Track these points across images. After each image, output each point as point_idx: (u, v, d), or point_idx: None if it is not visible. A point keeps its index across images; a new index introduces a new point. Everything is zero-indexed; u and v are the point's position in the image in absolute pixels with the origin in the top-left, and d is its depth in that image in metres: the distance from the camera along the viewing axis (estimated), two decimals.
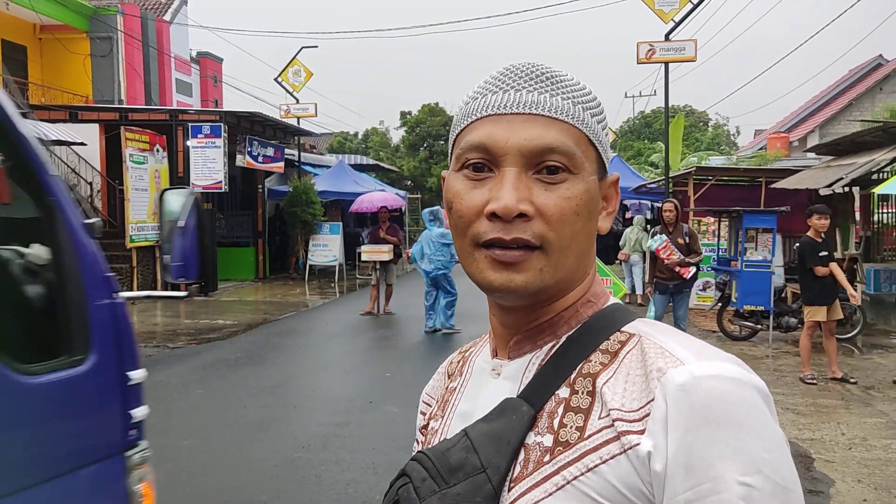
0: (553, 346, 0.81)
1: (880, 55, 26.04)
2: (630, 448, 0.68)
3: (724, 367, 0.69)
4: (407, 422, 6.18)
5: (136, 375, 1.86)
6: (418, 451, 0.81)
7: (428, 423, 0.94)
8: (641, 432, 0.69)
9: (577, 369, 0.77)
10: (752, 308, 9.43)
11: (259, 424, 6.15)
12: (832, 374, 7.50)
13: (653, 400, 0.69)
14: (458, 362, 0.97)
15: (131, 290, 14.67)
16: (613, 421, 0.71)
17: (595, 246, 0.85)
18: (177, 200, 2.27)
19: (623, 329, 0.79)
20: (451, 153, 0.84)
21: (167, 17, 22.71)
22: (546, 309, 0.81)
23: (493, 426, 0.76)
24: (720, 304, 10.11)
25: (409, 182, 36.69)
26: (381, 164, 32.78)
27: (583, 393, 0.75)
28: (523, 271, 0.76)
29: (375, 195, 18.65)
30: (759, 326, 9.59)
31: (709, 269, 11.56)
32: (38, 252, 1.76)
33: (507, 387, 0.81)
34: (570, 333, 0.81)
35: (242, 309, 14.01)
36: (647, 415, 0.69)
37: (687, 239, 8.16)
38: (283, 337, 10.76)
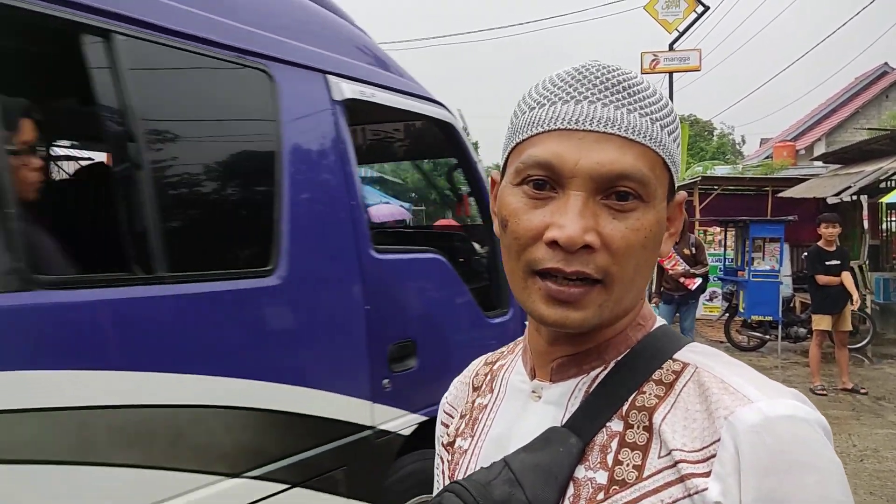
0: (601, 371, 0.75)
1: (886, 63, 25.98)
2: (696, 493, 0.63)
3: (794, 406, 0.65)
4: None
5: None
6: (454, 483, 0.73)
7: (455, 441, 0.88)
8: (707, 475, 0.64)
9: (630, 401, 0.71)
10: (760, 318, 9.36)
11: None
12: (843, 385, 7.43)
13: (718, 440, 0.64)
14: (486, 375, 0.90)
15: None
16: (676, 462, 0.65)
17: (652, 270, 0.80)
18: None
19: (675, 357, 0.73)
20: (507, 160, 0.76)
21: None
22: (597, 334, 0.75)
23: (539, 458, 0.71)
24: (727, 315, 10.05)
25: (413, 194, 36.74)
26: (385, 176, 32.80)
27: (639, 428, 0.69)
28: (581, 308, 0.69)
29: (382, 208, 18.50)
30: (768, 337, 9.52)
31: (715, 279, 11.50)
32: (479, 248, 3.61)
33: (551, 413, 0.75)
34: (618, 359, 0.75)
35: None
36: (712, 456, 0.64)
37: (693, 249, 8.10)
38: None
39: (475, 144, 39.32)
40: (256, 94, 2.23)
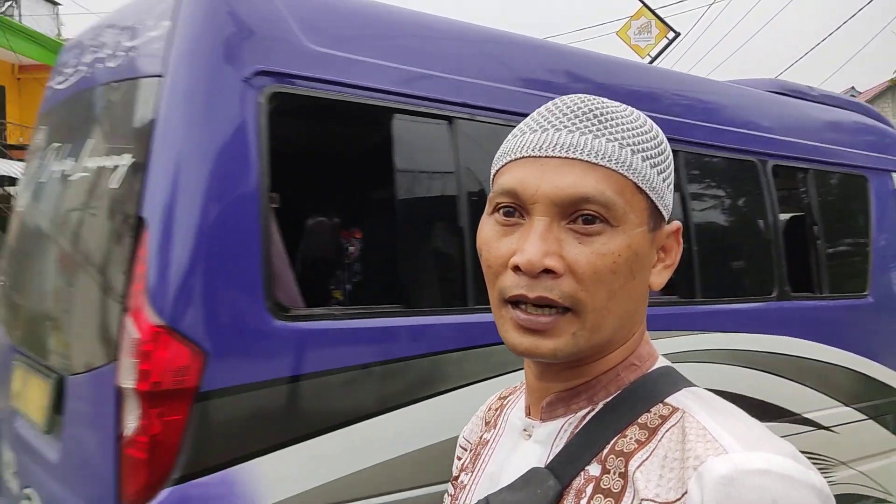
0: (588, 412, 0.73)
1: (852, 87, 26.61)
2: None
3: (775, 460, 0.61)
4: None
5: None
6: None
7: (459, 476, 0.88)
8: None
9: (611, 445, 0.69)
10: None
11: None
12: None
13: (686, 493, 0.62)
14: (496, 410, 0.90)
15: None
16: (642, 501, 0.64)
17: (646, 303, 0.76)
18: None
19: (666, 401, 0.71)
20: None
21: None
22: (583, 369, 0.74)
23: (518, 498, 0.71)
24: None
25: None
26: None
27: (615, 474, 0.67)
28: (552, 337, 0.68)
29: None
30: None
31: None
32: None
33: (537, 453, 0.75)
34: (607, 400, 0.73)
35: None
36: None
37: None
38: None
39: None
40: (857, 194, 3.66)
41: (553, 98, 0.76)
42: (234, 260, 1.87)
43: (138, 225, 1.83)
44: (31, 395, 2.32)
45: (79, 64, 2.48)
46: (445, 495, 0.91)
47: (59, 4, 21.68)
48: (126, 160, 1.97)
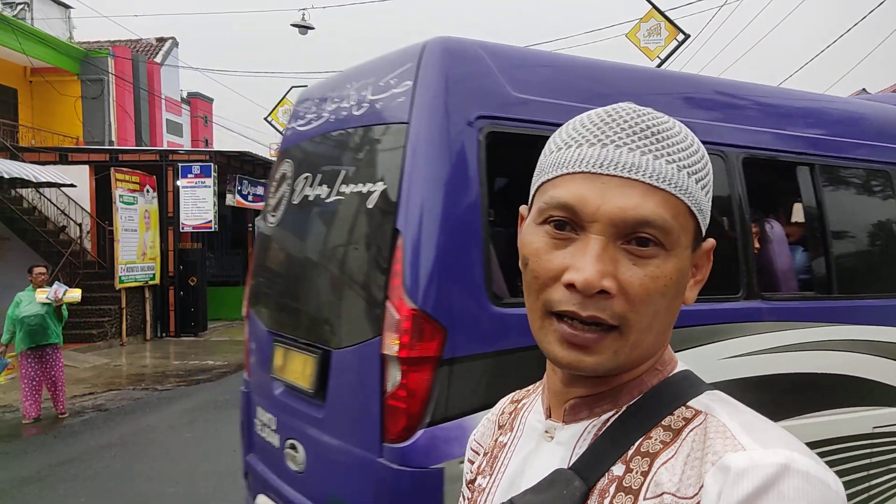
0: (612, 415, 0.74)
1: (863, 89, 26.45)
2: None
3: (793, 457, 0.61)
4: None
5: None
6: None
7: (476, 479, 0.88)
8: None
9: (636, 447, 0.71)
10: None
11: None
12: None
13: (703, 486, 0.63)
14: (510, 413, 0.90)
15: (119, 331, 14.51)
16: (662, 493, 0.66)
17: (676, 317, 0.76)
18: None
19: (689, 404, 0.72)
20: (533, 198, 0.76)
21: (158, 59, 22.90)
22: (612, 378, 0.74)
23: (542, 499, 0.71)
24: None
25: None
26: None
27: (637, 473, 0.69)
28: (595, 353, 0.69)
29: None
30: None
31: None
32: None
33: (560, 454, 0.75)
34: (630, 404, 0.74)
35: (232, 349, 13.84)
36: (699, 502, 0.63)
37: None
38: None
39: None
40: None
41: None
42: (465, 260, 2.50)
43: (394, 235, 2.50)
44: (294, 367, 3.05)
45: (320, 110, 3.22)
46: (461, 499, 0.93)
47: (71, 8, 21.83)
48: (379, 187, 2.66)
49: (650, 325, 0.70)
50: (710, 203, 0.75)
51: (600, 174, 0.69)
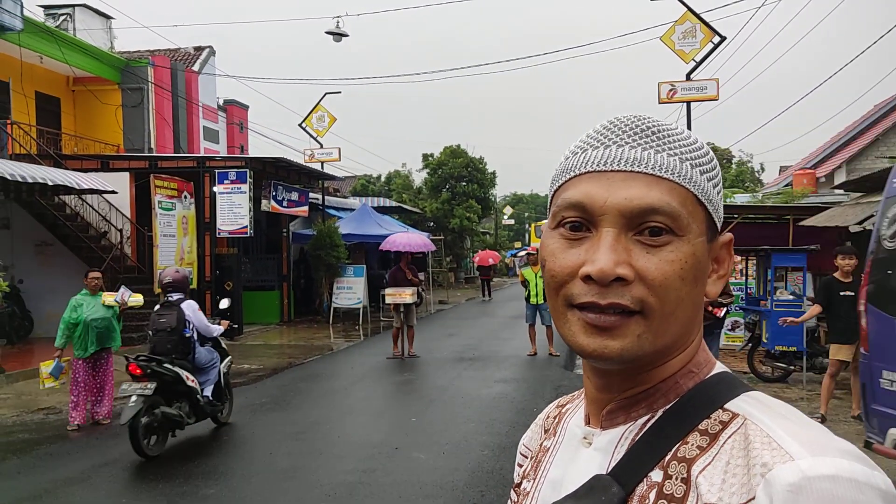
0: (648, 420, 0.75)
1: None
2: None
3: (841, 465, 0.61)
4: (433, 469, 6.08)
5: None
6: None
7: (521, 483, 0.89)
8: None
9: (673, 452, 0.71)
10: (784, 349, 9.24)
11: (285, 472, 6.10)
12: (853, 413, 7.48)
13: (753, 499, 0.62)
14: (555, 418, 0.92)
15: None
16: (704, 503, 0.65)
17: (702, 312, 0.78)
18: None
19: (726, 407, 0.72)
20: (549, 208, 0.79)
21: (196, 68, 23.33)
22: (644, 377, 0.75)
23: None
24: (750, 345, 9.92)
25: (432, 223, 36.81)
26: (404, 205, 33.01)
27: (677, 479, 0.68)
28: (619, 337, 0.71)
29: (413, 237, 17.74)
30: (793, 367, 9.38)
31: (737, 308, 11.38)
32: None
33: (598, 460, 0.76)
34: (667, 407, 0.75)
35: (268, 353, 14.02)
36: None
37: None
38: (308, 381, 10.75)
39: (493, 174, 39.57)
40: None
41: None
42: None
43: None
44: None
45: None
46: (508, 502, 0.94)
47: (112, 18, 22.35)
48: None
49: (673, 312, 0.71)
50: (720, 197, 0.77)
51: (605, 171, 0.73)
